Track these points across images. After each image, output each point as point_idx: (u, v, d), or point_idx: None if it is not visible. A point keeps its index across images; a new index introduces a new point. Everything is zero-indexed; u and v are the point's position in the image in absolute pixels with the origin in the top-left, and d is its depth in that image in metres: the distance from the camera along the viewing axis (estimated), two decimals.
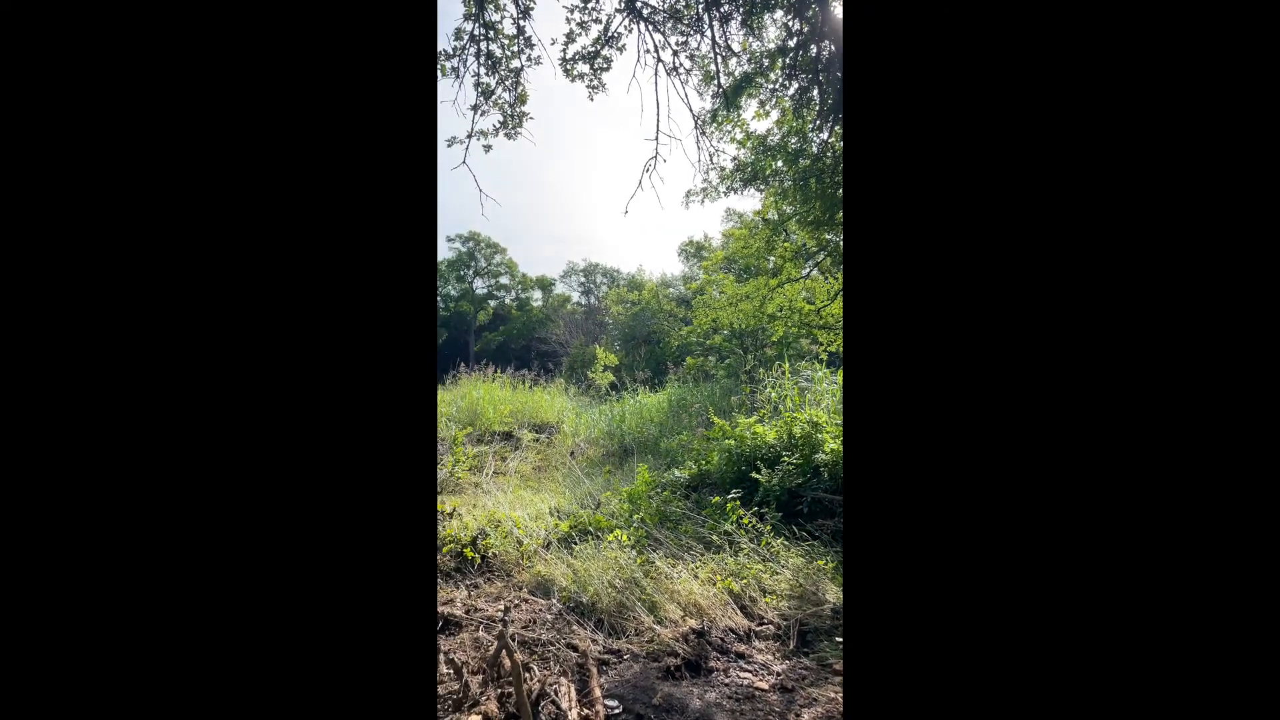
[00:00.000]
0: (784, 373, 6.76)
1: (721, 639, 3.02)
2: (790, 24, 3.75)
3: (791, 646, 2.97)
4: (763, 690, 2.61)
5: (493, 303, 33.75)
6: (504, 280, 34.72)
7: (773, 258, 5.67)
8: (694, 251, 17.77)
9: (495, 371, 11.69)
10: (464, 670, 2.07)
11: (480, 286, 34.55)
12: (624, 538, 4.01)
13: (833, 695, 2.50)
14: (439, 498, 5.56)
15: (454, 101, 3.78)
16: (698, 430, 6.70)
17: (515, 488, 6.02)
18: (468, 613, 3.18)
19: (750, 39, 4.58)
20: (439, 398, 10.15)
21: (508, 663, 2.38)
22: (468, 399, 9.94)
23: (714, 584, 3.43)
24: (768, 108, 5.10)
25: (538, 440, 8.45)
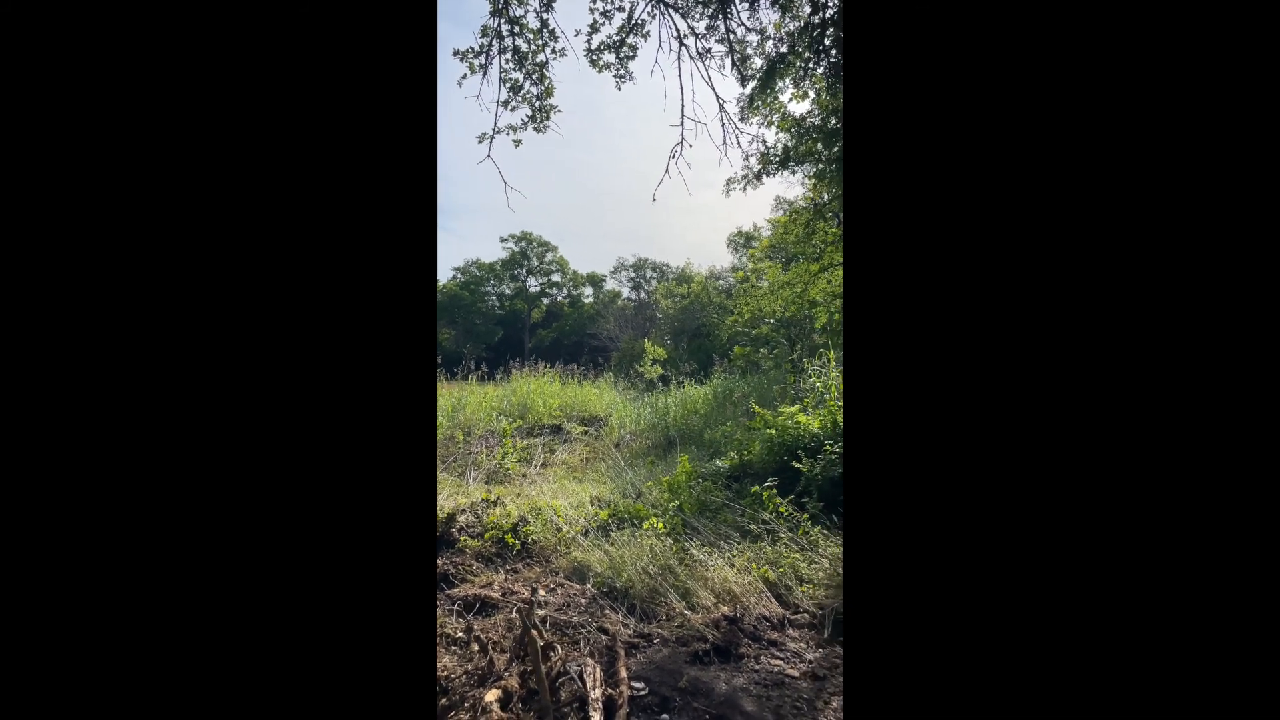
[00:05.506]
0: (829, 361, 6.58)
1: (754, 626, 2.98)
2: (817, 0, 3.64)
3: (826, 635, 2.90)
4: (793, 678, 2.57)
5: (545, 300, 34.42)
6: (556, 278, 35.33)
7: (814, 243, 5.53)
8: (743, 242, 17.52)
9: (546, 367, 11.94)
10: (490, 649, 2.14)
11: (533, 285, 35.32)
12: (660, 525, 4.02)
13: None
14: (487, 487, 5.74)
15: (478, 96, 3.88)
16: (741, 421, 6.62)
17: (560, 478, 6.14)
18: (504, 595, 3.28)
19: (783, 18, 4.47)
20: (489, 393, 10.47)
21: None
22: (518, 394, 10.20)
23: (749, 572, 3.40)
24: (804, 88, 4.96)
25: (586, 433, 8.58)
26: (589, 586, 3.43)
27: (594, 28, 4.05)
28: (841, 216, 5.23)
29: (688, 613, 3.05)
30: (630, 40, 3.98)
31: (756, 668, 2.64)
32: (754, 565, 3.45)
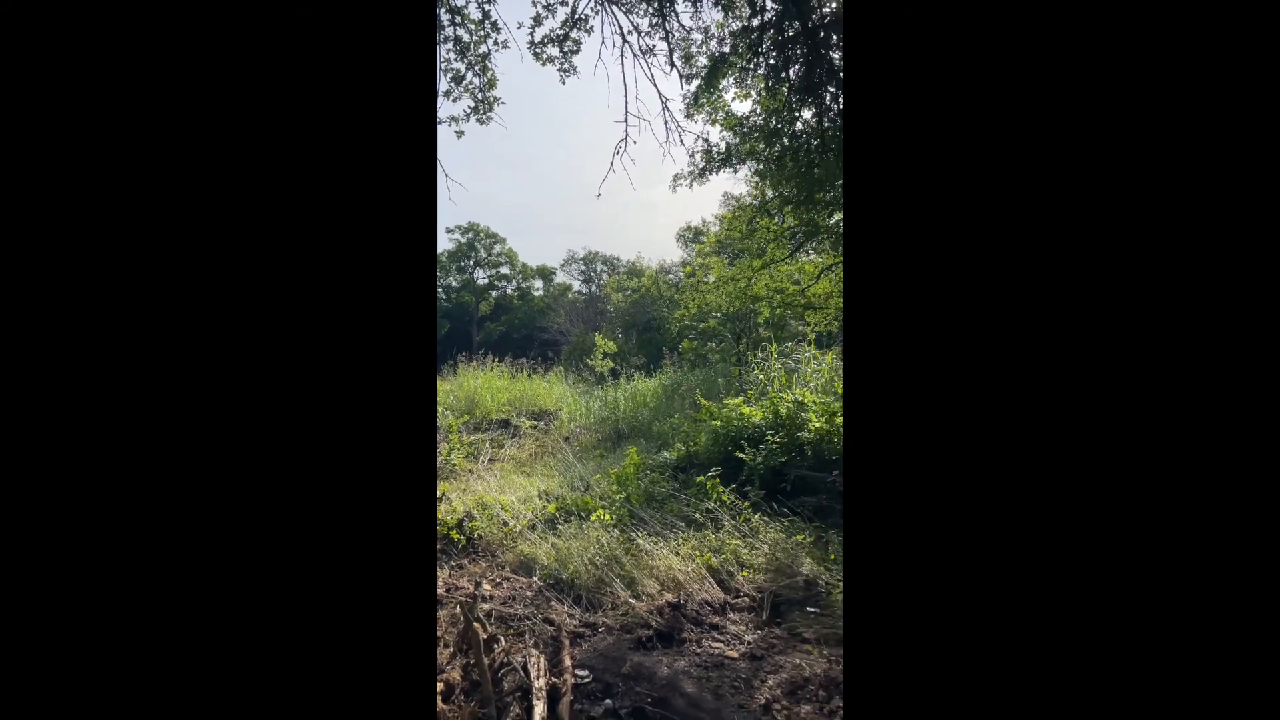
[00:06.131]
0: (771, 354, 6.79)
1: (697, 611, 3.09)
2: (756, 1, 3.74)
3: (764, 617, 3.04)
4: (732, 659, 2.68)
5: (494, 293, 33.77)
6: (505, 270, 34.71)
7: (757, 239, 5.68)
8: (692, 237, 17.72)
9: (494, 361, 11.77)
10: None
11: (481, 277, 34.57)
12: (606, 517, 4.08)
13: (798, 662, 2.56)
14: None
15: None
16: (688, 413, 6.76)
17: (507, 473, 6.11)
18: (448, 591, 3.27)
19: (726, 18, 4.56)
20: (437, 388, 10.23)
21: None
22: (466, 388, 10.03)
23: (693, 559, 3.50)
24: (747, 88, 5.08)
25: (535, 427, 8.53)
26: (535, 579, 3.45)
27: (537, 21, 4.03)
28: (782, 215, 5.40)
29: (633, 601, 3.12)
30: (574, 35, 3.99)
31: (698, 651, 2.74)
32: (698, 553, 3.56)
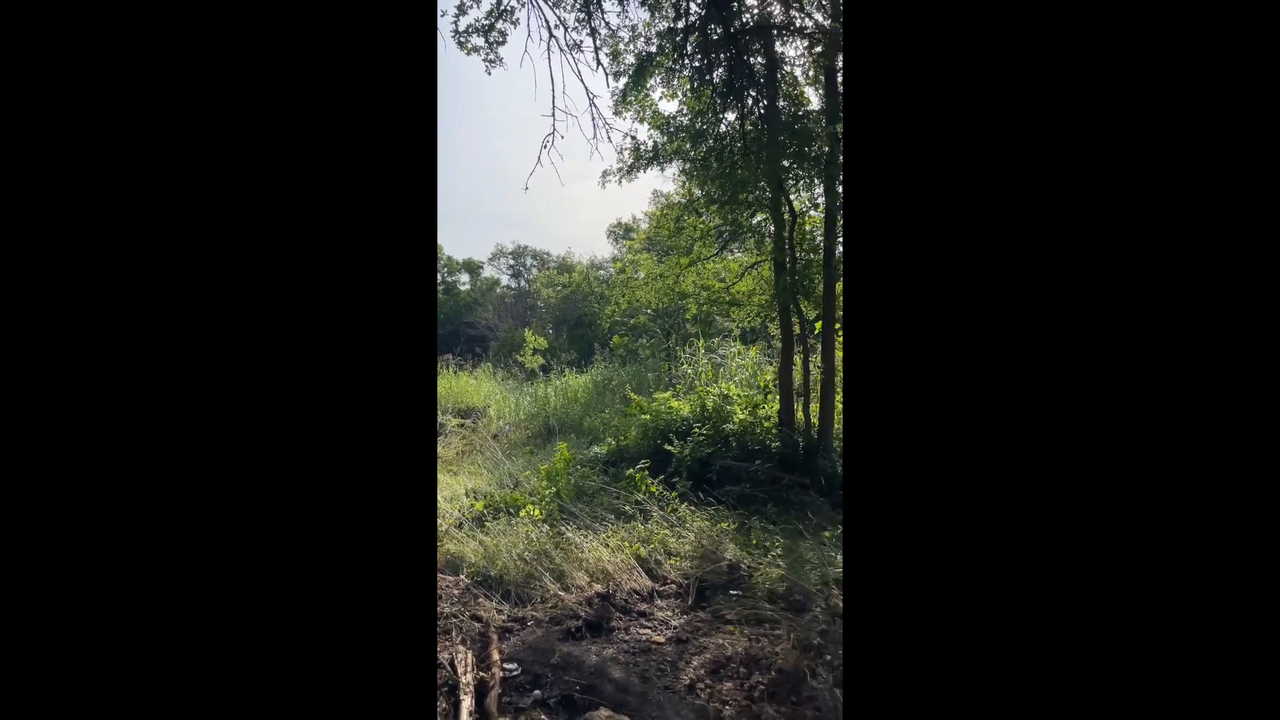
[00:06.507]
0: (699, 350, 6.98)
1: (625, 600, 3.16)
2: (680, 4, 3.84)
3: (690, 602, 3.15)
4: (659, 643, 2.77)
5: None
6: None
7: (684, 237, 5.82)
8: (623, 233, 17.79)
9: None
10: None
11: None
12: (536, 513, 4.08)
13: (721, 642, 2.68)
14: None
15: None
16: (619, 408, 6.83)
17: None
18: None
19: (653, 18, 4.63)
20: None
21: None
22: None
23: (622, 550, 3.56)
24: (673, 88, 5.18)
25: (463, 425, 8.33)
26: (462, 577, 3.41)
27: (461, 9, 3.93)
28: (704, 213, 5.55)
29: (562, 594, 3.15)
30: (500, 26, 3.93)
31: (626, 638, 2.81)
32: (627, 544, 3.63)
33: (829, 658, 2.48)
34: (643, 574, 3.42)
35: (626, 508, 4.20)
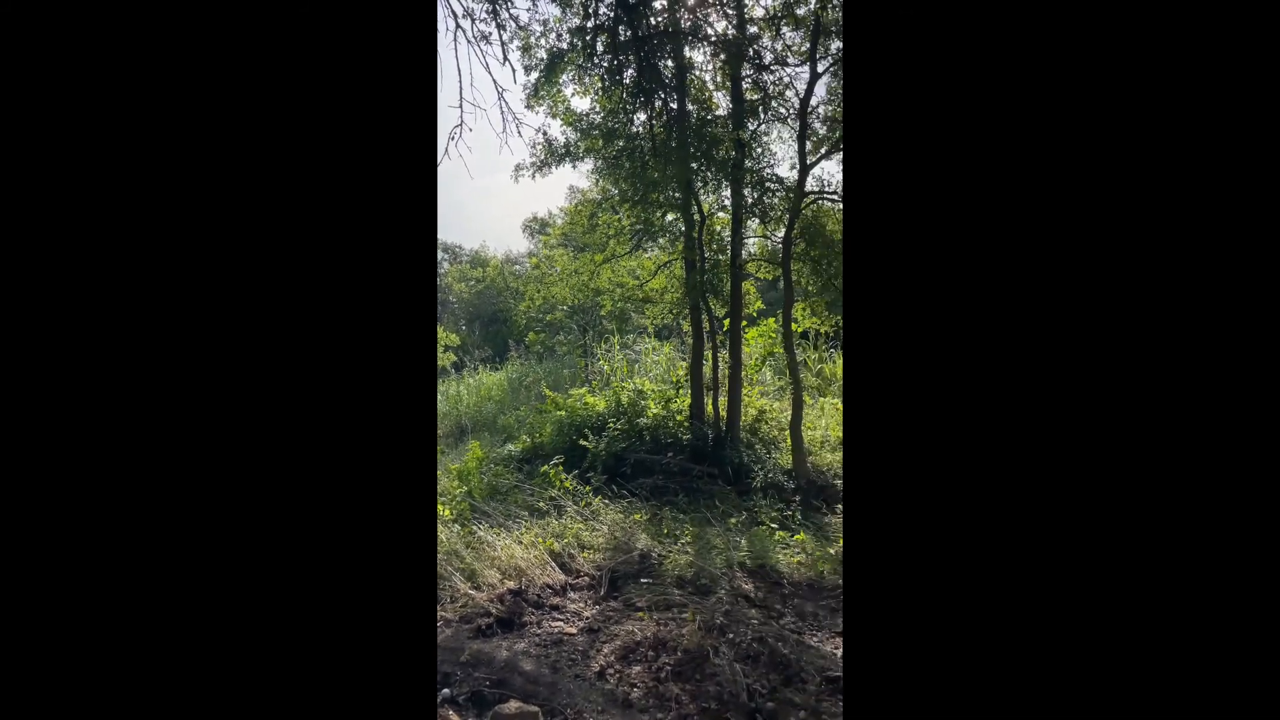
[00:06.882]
0: (615, 346, 7.07)
1: (538, 595, 3.18)
2: (588, 5, 3.87)
3: (603, 592, 3.22)
4: (570, 634, 2.81)
5: None
6: None
7: (598, 234, 5.87)
8: (538, 228, 17.55)
9: None
10: None
11: None
12: (446, 513, 4.00)
13: (631, 629, 2.77)
14: None
15: None
16: (534, 405, 6.79)
17: None
18: None
19: (564, 14, 4.64)
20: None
21: None
22: None
23: (536, 546, 3.58)
24: (586, 85, 5.21)
25: None
26: None
27: None
28: (619, 211, 5.63)
29: (473, 592, 3.12)
30: None
31: (538, 632, 2.84)
32: (540, 540, 3.64)
33: (731, 636, 2.63)
34: (556, 568, 3.45)
35: (541, 504, 4.21)
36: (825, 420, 5.81)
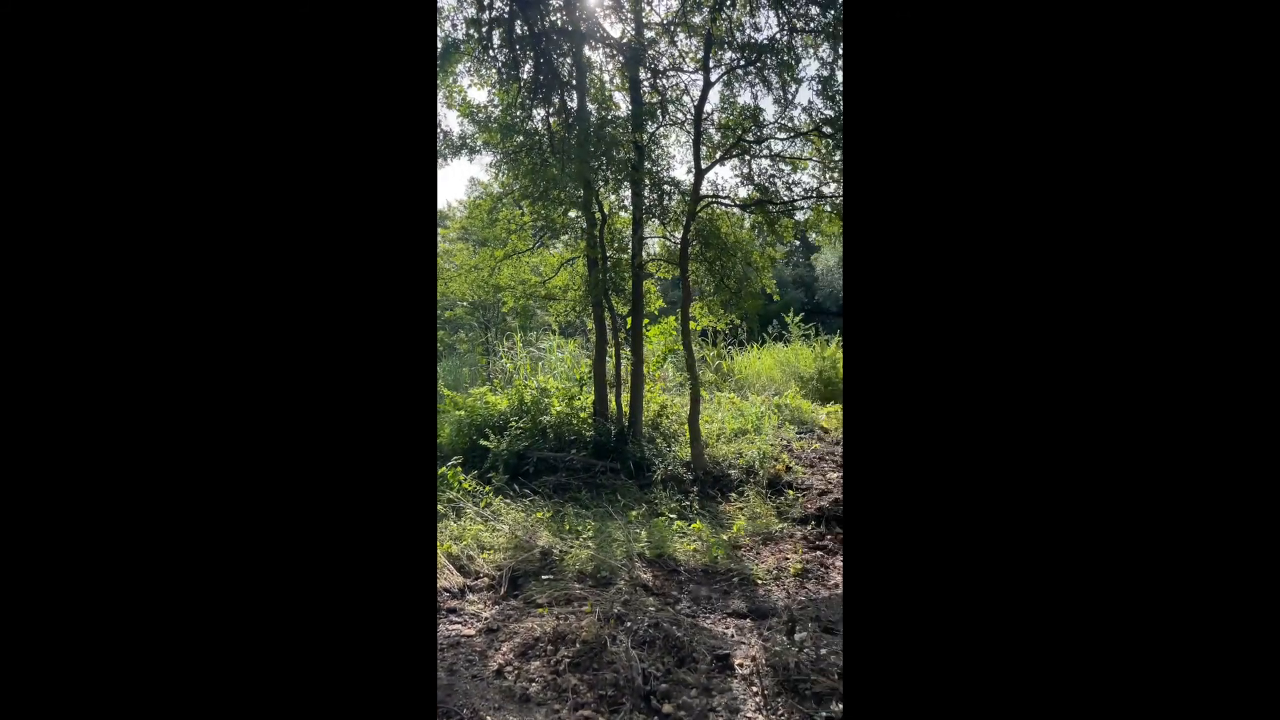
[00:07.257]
0: (517, 344, 6.97)
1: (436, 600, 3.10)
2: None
3: (503, 592, 3.20)
4: (469, 636, 2.78)
5: None
6: None
7: (498, 230, 5.76)
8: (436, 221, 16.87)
9: None
10: None
11: None
12: None
13: (530, 625, 2.78)
14: None
15: None
16: None
17: None
18: None
19: (460, 4, 4.51)
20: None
21: None
22: None
23: None
24: (483, 78, 5.10)
25: None
26: None
27: None
28: (521, 206, 5.57)
29: None
30: None
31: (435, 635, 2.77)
32: (437, 543, 3.55)
33: (629, 624, 2.71)
34: (454, 571, 3.38)
35: (439, 507, 4.09)
36: (722, 414, 6.08)
